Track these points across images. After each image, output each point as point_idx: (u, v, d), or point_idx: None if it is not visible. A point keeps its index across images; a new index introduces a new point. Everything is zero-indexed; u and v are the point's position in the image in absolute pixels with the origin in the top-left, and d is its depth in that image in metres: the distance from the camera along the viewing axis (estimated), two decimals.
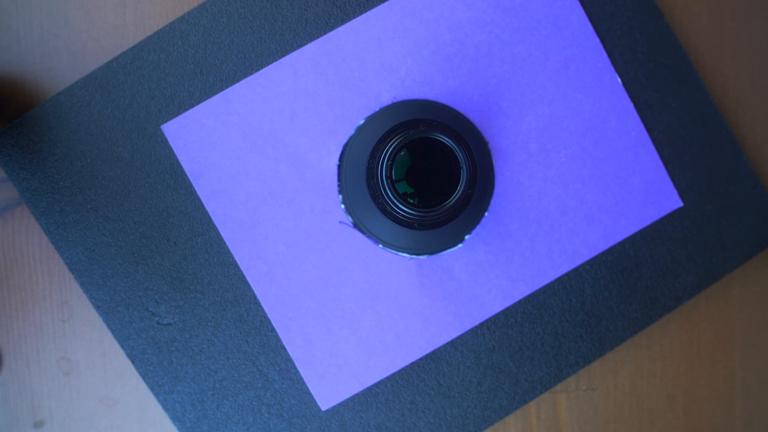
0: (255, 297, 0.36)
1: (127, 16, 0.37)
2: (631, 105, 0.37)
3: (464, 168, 0.31)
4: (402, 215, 0.31)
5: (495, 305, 0.37)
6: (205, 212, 0.36)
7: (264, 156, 0.36)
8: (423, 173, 0.35)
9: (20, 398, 0.38)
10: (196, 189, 0.36)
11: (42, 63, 0.37)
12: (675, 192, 0.37)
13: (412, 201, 0.31)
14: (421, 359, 0.37)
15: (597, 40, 0.37)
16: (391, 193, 0.31)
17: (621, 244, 0.37)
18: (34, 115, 0.35)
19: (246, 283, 0.36)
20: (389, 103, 0.36)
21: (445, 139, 0.31)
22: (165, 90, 0.35)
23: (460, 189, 0.31)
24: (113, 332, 0.36)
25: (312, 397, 0.36)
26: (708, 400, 0.39)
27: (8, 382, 0.38)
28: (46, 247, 0.37)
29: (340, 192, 0.36)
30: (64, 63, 0.37)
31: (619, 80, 0.37)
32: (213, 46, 0.35)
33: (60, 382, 0.38)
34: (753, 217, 0.38)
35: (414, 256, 0.36)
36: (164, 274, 0.36)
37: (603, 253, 0.37)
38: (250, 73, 0.36)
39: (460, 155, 0.31)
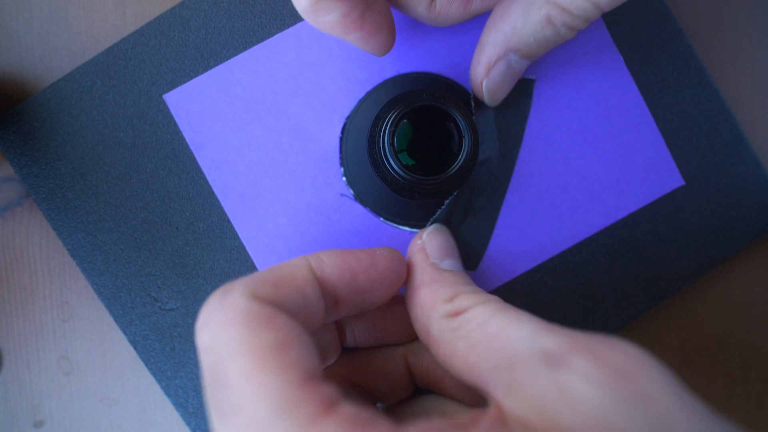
0: None
1: (127, 17, 0.37)
2: (633, 83, 0.37)
3: (466, 137, 0.31)
4: (403, 183, 0.31)
5: (494, 281, 0.37)
6: (207, 197, 0.36)
7: (266, 127, 0.36)
8: (424, 145, 0.35)
9: (20, 398, 0.37)
10: (198, 159, 0.36)
11: (42, 63, 0.37)
12: (677, 170, 0.37)
13: (414, 171, 0.31)
14: None
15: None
16: (393, 161, 0.31)
17: (621, 229, 0.37)
18: (35, 102, 0.36)
19: (248, 268, 0.36)
20: (392, 75, 0.36)
21: (448, 108, 0.31)
22: (166, 75, 0.36)
23: (461, 157, 0.31)
24: (115, 318, 0.36)
25: None
26: (708, 397, 0.39)
27: (8, 382, 0.37)
28: (46, 247, 0.37)
29: (341, 164, 0.36)
30: (64, 63, 0.37)
31: (621, 58, 0.37)
32: (214, 30, 0.36)
33: (60, 382, 0.38)
34: (755, 200, 0.38)
35: (415, 230, 0.36)
36: (166, 259, 0.36)
37: (603, 237, 0.37)
38: None
39: (462, 124, 0.31)
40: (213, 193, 0.36)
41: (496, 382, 0.24)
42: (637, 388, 0.21)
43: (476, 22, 0.36)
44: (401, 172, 0.31)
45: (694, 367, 0.39)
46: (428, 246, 0.32)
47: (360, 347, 0.33)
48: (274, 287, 0.26)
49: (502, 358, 0.24)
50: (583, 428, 0.20)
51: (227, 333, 0.23)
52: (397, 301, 0.33)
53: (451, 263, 0.32)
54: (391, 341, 0.33)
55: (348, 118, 0.36)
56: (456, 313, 0.27)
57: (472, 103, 0.36)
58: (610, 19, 0.37)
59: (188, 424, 0.36)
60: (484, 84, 0.33)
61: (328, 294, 0.28)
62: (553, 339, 0.23)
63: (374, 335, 0.33)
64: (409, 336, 0.33)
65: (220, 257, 0.36)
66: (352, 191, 0.36)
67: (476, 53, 0.33)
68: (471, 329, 0.26)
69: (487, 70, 0.33)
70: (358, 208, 0.36)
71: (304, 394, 0.22)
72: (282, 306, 0.25)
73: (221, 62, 0.36)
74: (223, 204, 0.36)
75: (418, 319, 0.30)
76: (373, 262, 0.30)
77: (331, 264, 0.29)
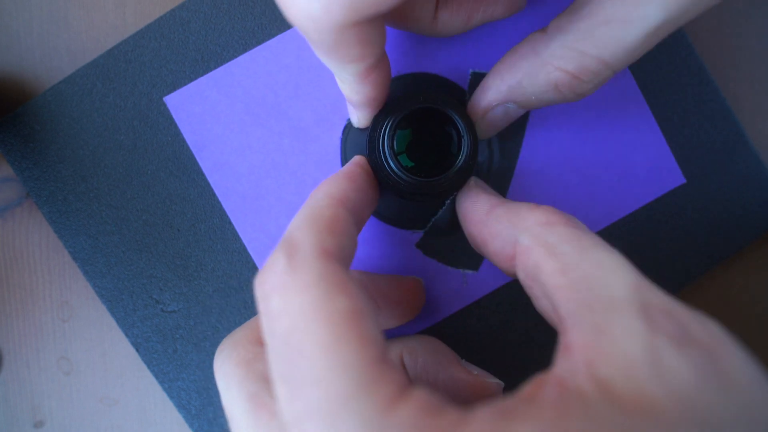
0: None
1: (127, 17, 0.37)
2: (634, 81, 0.37)
3: (465, 137, 0.31)
4: (404, 185, 0.31)
5: (495, 281, 0.37)
6: (208, 198, 0.36)
7: (267, 129, 0.36)
8: (423, 147, 0.35)
9: (20, 398, 0.37)
10: (199, 161, 0.36)
11: (42, 63, 0.37)
12: (678, 168, 0.37)
13: (414, 173, 0.31)
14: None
15: None
16: (393, 163, 0.31)
17: (622, 228, 0.37)
18: (35, 104, 0.36)
19: (250, 269, 0.36)
20: (392, 76, 0.36)
21: (446, 110, 0.31)
22: (166, 77, 0.36)
23: (461, 158, 0.31)
24: (117, 320, 0.36)
25: None
26: None
27: (8, 382, 0.37)
28: (46, 247, 0.37)
29: (342, 166, 0.36)
30: (64, 63, 0.37)
31: None
32: (214, 32, 0.36)
33: (60, 382, 0.38)
34: (756, 198, 0.38)
35: (417, 231, 0.36)
36: (168, 261, 0.36)
37: (603, 236, 0.37)
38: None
39: (460, 125, 0.31)
40: (214, 194, 0.36)
41: (582, 322, 0.22)
42: (726, 371, 0.20)
43: (476, 27, 0.36)
44: (401, 175, 0.31)
45: None
46: (482, 185, 0.32)
47: None
48: (332, 236, 0.25)
49: (596, 297, 0.22)
50: (674, 409, 0.19)
51: (301, 298, 0.22)
52: (383, 281, 0.33)
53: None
54: (383, 326, 0.33)
55: (349, 119, 0.36)
56: (550, 224, 0.26)
57: None
58: None
59: (191, 425, 0.36)
60: (478, 122, 0.33)
61: (357, 222, 0.28)
62: (655, 296, 0.22)
63: None
64: (401, 316, 0.33)
65: (222, 259, 0.36)
66: None
67: (477, 92, 0.33)
68: (567, 251, 0.24)
69: (484, 112, 0.33)
70: None
71: (381, 375, 0.21)
72: (342, 257, 0.24)
73: (222, 64, 0.36)
74: (224, 206, 0.36)
75: (499, 236, 0.28)
76: (364, 169, 0.31)
77: (352, 190, 0.28)
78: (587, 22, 0.28)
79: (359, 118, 0.32)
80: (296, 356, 0.22)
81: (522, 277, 0.26)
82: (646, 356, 0.20)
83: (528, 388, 0.22)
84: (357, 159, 0.32)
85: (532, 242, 0.26)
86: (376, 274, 0.33)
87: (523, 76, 0.30)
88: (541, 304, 0.25)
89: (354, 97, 0.30)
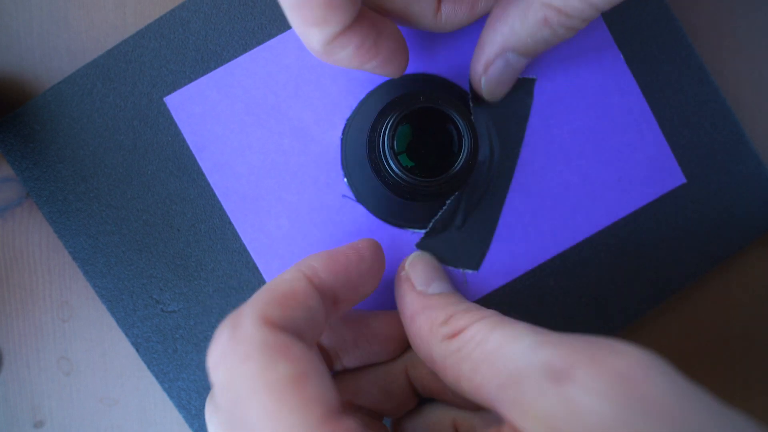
0: (259, 284, 0.36)
1: (127, 17, 0.37)
2: (634, 81, 0.37)
3: (465, 137, 0.31)
4: (404, 185, 0.31)
5: (496, 281, 0.37)
6: (208, 198, 0.36)
7: (267, 129, 0.36)
8: (423, 147, 0.35)
9: (20, 398, 0.37)
10: (199, 161, 0.36)
11: (42, 63, 0.37)
12: (678, 168, 0.37)
13: (415, 173, 0.31)
14: None
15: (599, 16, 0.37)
16: (393, 163, 0.31)
17: (622, 228, 0.37)
18: (35, 104, 0.36)
19: (250, 269, 0.36)
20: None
21: (446, 109, 0.31)
22: (166, 77, 0.36)
23: (462, 158, 0.31)
24: (117, 320, 0.36)
25: None
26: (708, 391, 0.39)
27: (8, 382, 0.37)
28: (46, 247, 0.37)
29: (343, 166, 0.36)
30: (64, 63, 0.37)
31: (622, 56, 0.37)
32: (214, 32, 0.36)
33: (60, 382, 0.38)
34: (756, 198, 0.38)
35: (417, 231, 0.36)
36: (168, 261, 0.36)
37: (604, 236, 0.37)
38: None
39: (460, 124, 0.31)
40: (214, 195, 0.36)
41: (503, 401, 0.23)
42: (642, 394, 0.21)
43: (475, 23, 0.36)
44: (402, 175, 0.31)
45: (693, 367, 0.39)
46: (412, 275, 0.32)
47: (347, 369, 0.33)
48: (280, 307, 0.25)
49: (505, 376, 0.23)
50: None
51: (244, 367, 0.23)
52: (374, 318, 0.33)
53: (438, 285, 0.32)
54: (377, 360, 0.33)
55: (349, 119, 0.36)
56: (454, 335, 0.27)
57: (471, 104, 0.36)
58: (609, 18, 0.37)
59: (191, 426, 0.36)
60: (482, 81, 0.33)
61: (327, 299, 0.28)
62: (554, 351, 0.23)
63: (358, 356, 0.33)
64: (394, 351, 0.33)
65: (222, 259, 0.36)
66: (353, 192, 0.36)
67: (475, 52, 0.33)
68: (471, 349, 0.26)
69: (485, 67, 0.33)
70: (360, 209, 0.36)
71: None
72: (291, 327, 0.25)
73: (222, 64, 0.36)
74: (224, 206, 0.36)
75: (420, 348, 0.29)
76: (360, 255, 0.30)
77: (324, 269, 0.28)
78: None
79: (392, 70, 0.32)
80: (242, 426, 0.22)
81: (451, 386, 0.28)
82: (563, 409, 0.21)
83: None
84: (362, 242, 0.32)
85: (444, 356, 0.27)
86: (369, 311, 0.34)
87: (513, 21, 0.31)
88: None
89: (346, 65, 0.30)
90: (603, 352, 0.22)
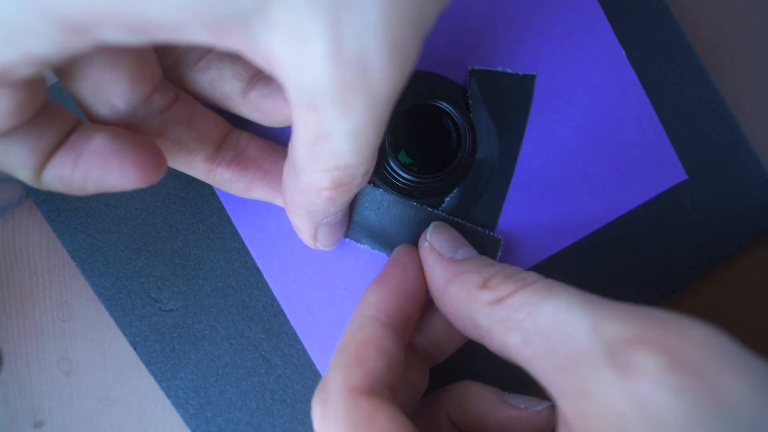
0: (257, 283, 0.36)
1: None
2: (636, 77, 0.37)
3: (464, 134, 0.31)
4: (403, 184, 0.31)
5: None
6: (207, 198, 0.36)
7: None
8: (421, 144, 0.35)
9: (20, 398, 0.37)
10: None
11: None
12: (680, 164, 0.37)
13: (413, 170, 0.31)
14: None
15: (600, 11, 0.37)
16: (392, 161, 0.31)
17: (622, 227, 0.37)
18: None
19: (248, 268, 0.36)
20: None
21: (445, 106, 0.31)
22: None
23: (460, 154, 0.31)
24: (115, 319, 0.36)
25: (315, 382, 0.36)
26: None
27: (8, 382, 0.37)
28: (46, 247, 0.37)
29: None
30: None
31: (624, 52, 0.37)
32: None
33: (60, 382, 0.38)
34: (755, 198, 0.38)
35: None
36: (166, 260, 0.36)
37: (604, 235, 0.37)
38: None
39: (458, 120, 0.31)
40: (213, 193, 0.36)
41: (562, 386, 0.22)
42: (719, 395, 0.19)
43: (474, 24, 0.36)
44: (400, 172, 0.31)
45: None
46: (437, 244, 0.31)
47: None
48: (360, 366, 0.26)
49: (562, 356, 0.22)
50: None
51: None
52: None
53: (465, 251, 0.31)
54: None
55: None
56: (498, 300, 0.26)
57: (469, 101, 0.36)
58: (609, 17, 0.37)
59: (188, 424, 0.36)
60: (320, 246, 0.33)
61: (399, 326, 0.28)
62: (615, 330, 0.21)
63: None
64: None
65: (221, 258, 0.36)
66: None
67: (294, 222, 0.32)
68: (521, 318, 0.24)
69: (315, 239, 0.33)
70: None
71: None
72: (375, 384, 0.25)
73: None
74: (225, 204, 0.36)
75: (458, 316, 0.28)
76: (407, 276, 0.30)
77: (384, 300, 0.28)
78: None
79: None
80: None
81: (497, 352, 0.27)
82: (632, 407, 0.20)
83: None
84: (398, 252, 0.31)
85: (489, 323, 0.26)
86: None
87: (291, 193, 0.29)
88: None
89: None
90: (669, 332, 0.21)
